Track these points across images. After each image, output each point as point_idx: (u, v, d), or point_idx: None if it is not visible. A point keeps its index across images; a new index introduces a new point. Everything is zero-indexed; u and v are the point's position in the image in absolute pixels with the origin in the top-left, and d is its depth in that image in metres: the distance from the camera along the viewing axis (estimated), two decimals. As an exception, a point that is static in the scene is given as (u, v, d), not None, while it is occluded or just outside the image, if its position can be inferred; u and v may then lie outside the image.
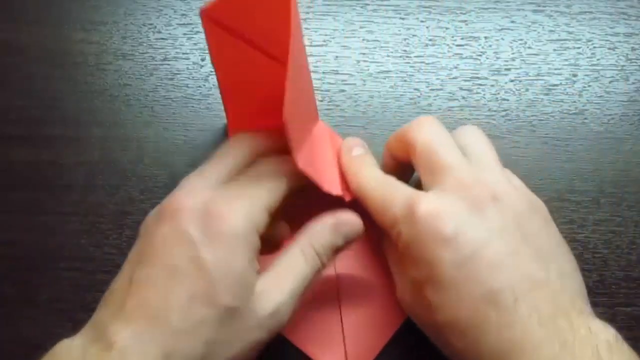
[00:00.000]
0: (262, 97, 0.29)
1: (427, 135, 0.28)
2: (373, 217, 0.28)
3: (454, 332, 0.24)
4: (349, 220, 0.28)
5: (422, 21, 0.38)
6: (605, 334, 0.23)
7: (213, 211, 0.25)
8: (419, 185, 0.28)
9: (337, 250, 0.28)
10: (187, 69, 0.37)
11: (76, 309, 0.33)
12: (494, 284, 0.24)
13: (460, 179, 0.26)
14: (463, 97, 0.36)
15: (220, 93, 0.30)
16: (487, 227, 0.25)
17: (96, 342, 0.23)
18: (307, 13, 0.38)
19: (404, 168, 0.31)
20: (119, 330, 0.23)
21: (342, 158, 0.31)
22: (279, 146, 0.29)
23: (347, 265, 0.32)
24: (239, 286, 0.25)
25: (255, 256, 0.26)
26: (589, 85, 0.37)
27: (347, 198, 0.31)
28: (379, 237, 0.31)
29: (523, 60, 0.37)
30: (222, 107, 0.31)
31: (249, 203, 0.26)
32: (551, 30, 0.38)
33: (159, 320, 0.23)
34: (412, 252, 0.26)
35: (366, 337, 0.31)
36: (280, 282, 0.26)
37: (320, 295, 0.32)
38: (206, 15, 0.24)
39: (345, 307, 0.32)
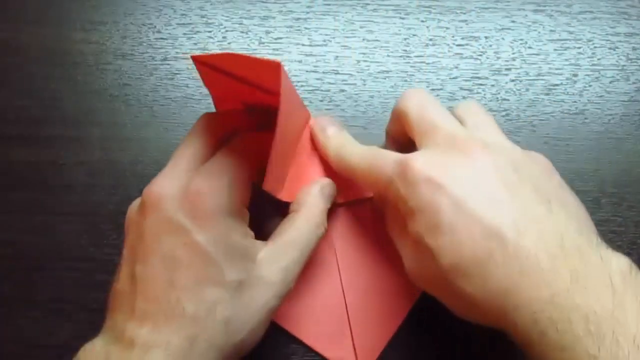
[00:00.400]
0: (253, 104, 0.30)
1: (419, 102, 0.28)
2: (364, 186, 0.29)
3: (460, 274, 0.23)
4: (326, 182, 0.31)
5: (422, 21, 0.38)
6: (618, 263, 0.22)
7: (194, 193, 0.25)
8: None
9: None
10: (187, 69, 0.37)
11: (76, 309, 0.33)
12: (494, 219, 0.23)
13: (452, 135, 0.26)
14: (463, 97, 0.36)
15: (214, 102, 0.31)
16: (481, 168, 0.25)
17: (116, 343, 0.24)
18: (307, 13, 0.38)
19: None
20: (135, 330, 0.23)
21: (317, 139, 0.31)
22: (249, 123, 0.29)
23: (350, 259, 0.32)
24: (239, 259, 0.25)
25: (246, 227, 0.27)
26: (590, 85, 0.37)
27: (340, 200, 0.32)
28: (379, 230, 0.31)
29: (523, 60, 0.37)
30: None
31: (228, 178, 0.26)
32: (552, 30, 0.38)
33: (173, 313, 0.24)
34: (410, 205, 0.25)
35: (373, 329, 0.32)
36: (287, 250, 0.27)
37: (325, 291, 0.32)
38: (196, 60, 0.26)
39: (350, 301, 0.32)
